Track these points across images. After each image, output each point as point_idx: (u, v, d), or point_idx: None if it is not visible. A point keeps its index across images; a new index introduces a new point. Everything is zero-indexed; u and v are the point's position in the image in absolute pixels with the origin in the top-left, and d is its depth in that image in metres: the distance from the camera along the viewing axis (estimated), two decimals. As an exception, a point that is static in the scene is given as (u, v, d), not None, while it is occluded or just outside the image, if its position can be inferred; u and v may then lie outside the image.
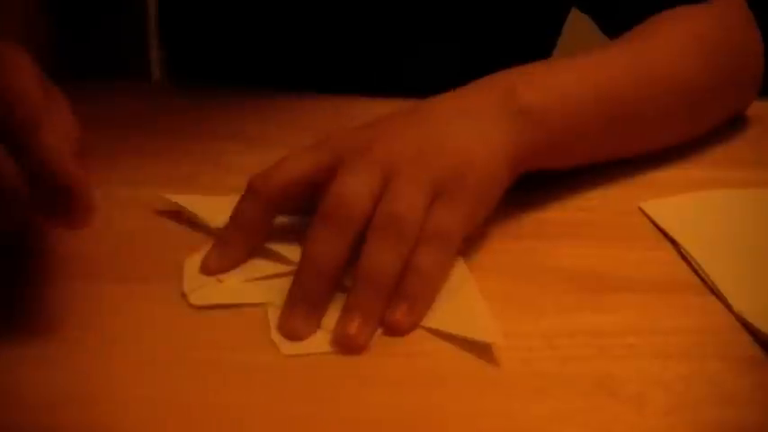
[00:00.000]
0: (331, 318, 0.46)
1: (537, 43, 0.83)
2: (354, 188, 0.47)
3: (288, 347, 0.44)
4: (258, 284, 0.48)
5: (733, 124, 0.70)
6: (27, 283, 0.48)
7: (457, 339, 0.45)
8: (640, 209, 0.57)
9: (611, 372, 0.43)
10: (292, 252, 0.49)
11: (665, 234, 0.54)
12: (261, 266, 0.49)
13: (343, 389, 0.42)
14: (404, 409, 0.41)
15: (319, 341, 0.45)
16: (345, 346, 0.44)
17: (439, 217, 0.48)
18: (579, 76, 0.58)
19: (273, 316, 0.46)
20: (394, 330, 0.45)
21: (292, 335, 0.45)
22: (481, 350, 0.44)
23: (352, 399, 0.41)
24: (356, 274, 0.46)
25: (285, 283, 0.47)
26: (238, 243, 0.50)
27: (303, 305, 0.45)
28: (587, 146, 0.58)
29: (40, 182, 0.41)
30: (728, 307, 0.48)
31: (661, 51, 0.62)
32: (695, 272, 0.51)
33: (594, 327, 0.46)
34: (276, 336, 0.45)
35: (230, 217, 0.50)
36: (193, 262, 0.49)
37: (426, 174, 0.49)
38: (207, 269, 0.49)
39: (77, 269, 0.50)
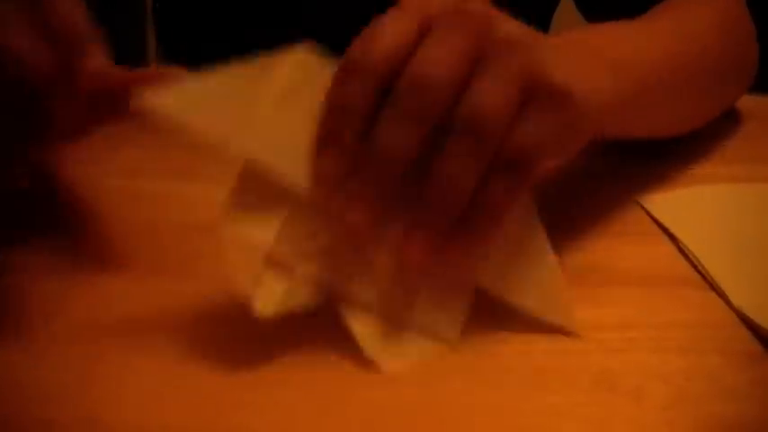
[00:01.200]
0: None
1: None
2: (435, 69, 0.40)
3: (391, 364, 0.41)
4: (325, 276, 0.43)
5: (728, 120, 0.70)
6: (22, 275, 0.48)
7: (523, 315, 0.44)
8: (638, 203, 0.57)
9: (610, 366, 0.43)
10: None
11: (664, 228, 0.54)
12: (304, 229, 0.42)
13: (340, 383, 0.42)
14: (401, 405, 0.41)
15: (420, 348, 0.43)
16: (406, 263, 0.42)
17: (524, 133, 0.41)
18: (645, 37, 0.57)
19: (363, 331, 0.43)
20: (449, 263, 0.43)
21: (353, 231, 0.42)
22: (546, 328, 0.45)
23: (349, 394, 0.41)
24: (426, 184, 0.41)
25: (351, 271, 0.43)
26: (347, 134, 0.41)
27: (365, 198, 0.41)
28: (657, 108, 0.57)
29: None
30: (728, 302, 0.48)
31: (690, 28, 0.62)
32: (694, 266, 0.51)
33: (593, 320, 0.46)
34: (374, 353, 0.42)
35: (330, 105, 0.42)
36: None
37: (527, 61, 0.42)
38: (321, 177, 0.41)
39: (72, 262, 0.49)
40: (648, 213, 0.56)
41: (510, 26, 0.42)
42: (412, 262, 0.42)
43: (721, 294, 0.48)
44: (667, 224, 0.54)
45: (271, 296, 0.42)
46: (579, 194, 0.58)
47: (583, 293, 0.48)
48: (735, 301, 0.47)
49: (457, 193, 0.41)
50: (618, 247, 0.53)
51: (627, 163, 0.62)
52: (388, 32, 0.41)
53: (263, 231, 0.42)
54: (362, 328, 0.43)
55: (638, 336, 0.45)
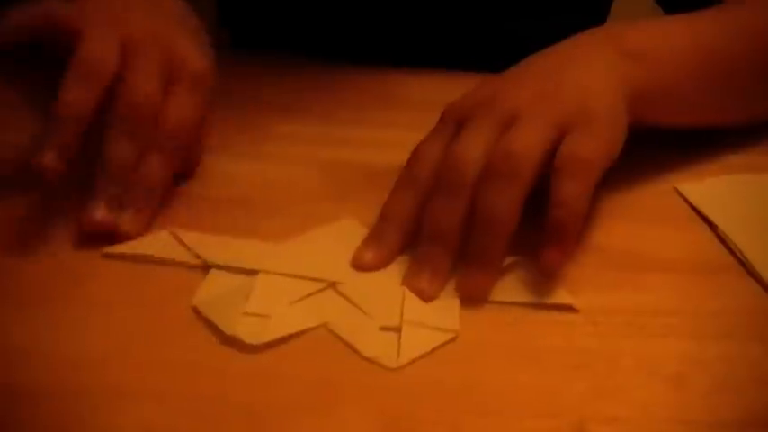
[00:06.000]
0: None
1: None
2: (468, 152, 0.48)
3: (394, 361, 0.42)
4: (303, 308, 0.45)
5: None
6: (45, 247, 0.48)
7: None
8: (676, 190, 0.57)
9: (650, 351, 0.43)
10: (320, 268, 0.47)
11: (701, 215, 0.54)
12: (295, 289, 0.46)
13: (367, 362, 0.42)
14: (444, 382, 0.41)
15: (420, 342, 0.43)
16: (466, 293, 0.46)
17: (574, 145, 0.48)
18: (681, 28, 0.58)
19: (346, 333, 0.43)
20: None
21: (420, 296, 0.46)
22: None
23: (390, 369, 0.42)
24: (473, 219, 0.47)
25: (330, 299, 0.46)
26: (389, 235, 0.49)
27: (428, 269, 0.47)
28: (689, 100, 0.58)
29: None
30: (767, 288, 0.47)
31: (741, 25, 0.61)
32: (733, 253, 0.51)
33: (634, 305, 0.46)
34: (371, 352, 0.42)
35: (386, 211, 0.49)
36: (208, 301, 0.45)
37: (549, 112, 0.49)
38: (361, 264, 0.48)
39: (99, 236, 0.49)
40: (687, 200, 0.55)
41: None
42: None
43: (760, 281, 0.48)
44: (706, 211, 0.54)
45: (258, 325, 0.43)
46: (618, 182, 0.58)
47: (622, 279, 0.48)
48: (774, 288, 0.47)
49: (499, 223, 0.46)
50: (656, 234, 0.52)
51: (664, 150, 0.61)
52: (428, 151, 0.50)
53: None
54: (355, 335, 0.43)
55: (676, 322, 0.45)
